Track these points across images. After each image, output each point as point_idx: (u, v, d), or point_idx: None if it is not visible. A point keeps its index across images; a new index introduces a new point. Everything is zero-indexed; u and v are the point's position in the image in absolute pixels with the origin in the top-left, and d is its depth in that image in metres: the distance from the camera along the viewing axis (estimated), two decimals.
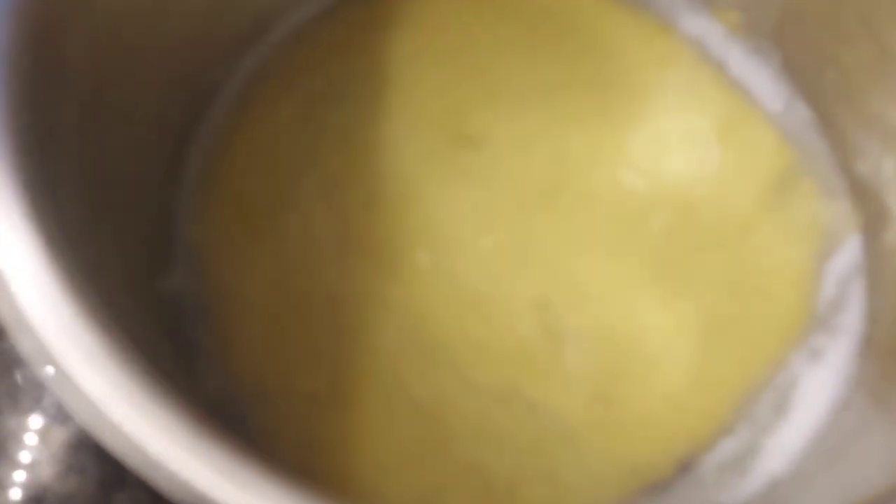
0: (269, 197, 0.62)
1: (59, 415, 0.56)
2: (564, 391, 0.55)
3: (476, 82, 0.65)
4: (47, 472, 0.55)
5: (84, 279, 0.37)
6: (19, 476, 0.55)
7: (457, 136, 0.63)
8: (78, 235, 0.41)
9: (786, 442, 0.54)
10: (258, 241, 0.61)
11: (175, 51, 0.56)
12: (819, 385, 0.55)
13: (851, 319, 0.57)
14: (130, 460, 0.33)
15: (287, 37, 0.66)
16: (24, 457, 0.56)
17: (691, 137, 0.64)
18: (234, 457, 0.34)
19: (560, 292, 0.58)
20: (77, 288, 0.36)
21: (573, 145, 0.63)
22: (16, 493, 0.54)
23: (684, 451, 0.54)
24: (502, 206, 0.61)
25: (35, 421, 0.56)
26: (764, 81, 0.66)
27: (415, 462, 0.54)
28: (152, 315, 0.53)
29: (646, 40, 0.68)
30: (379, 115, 0.63)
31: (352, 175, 0.62)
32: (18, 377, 0.58)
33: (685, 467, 0.54)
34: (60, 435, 0.55)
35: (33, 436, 0.56)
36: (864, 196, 0.59)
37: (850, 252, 0.59)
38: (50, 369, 0.34)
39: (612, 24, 0.68)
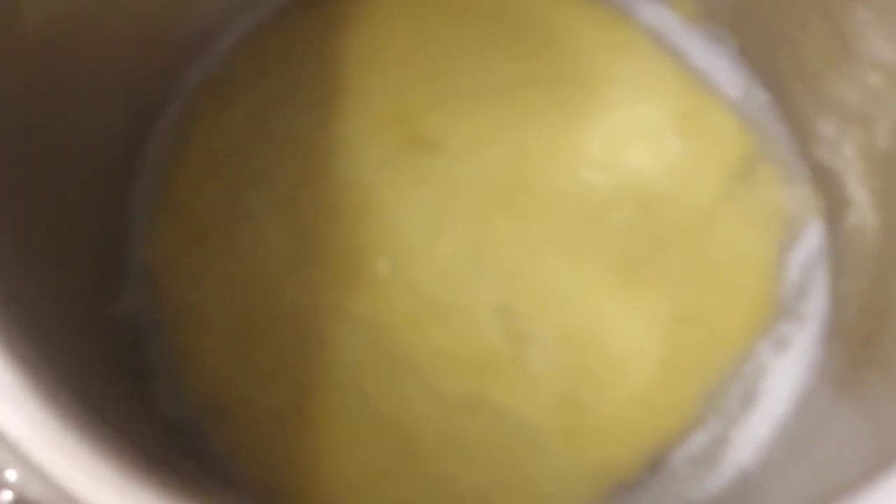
0: (222, 210, 0.60)
1: None
2: (531, 397, 0.54)
3: (431, 84, 0.64)
4: None
5: (12, 314, 0.36)
6: None
7: (412, 141, 0.62)
8: (11, 270, 0.40)
9: (754, 433, 0.54)
10: (213, 257, 0.59)
11: (114, 71, 0.55)
12: (785, 374, 0.55)
13: (816, 305, 0.57)
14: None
15: (234, 45, 0.65)
16: None
17: (651, 129, 0.63)
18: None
19: (523, 296, 0.57)
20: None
21: (531, 144, 0.62)
22: None
23: (655, 448, 0.54)
24: (461, 211, 0.60)
25: None
26: (722, 68, 0.65)
27: (382, 477, 0.53)
28: (101, 341, 0.52)
29: (603, 32, 0.67)
30: (332, 122, 0.62)
31: (307, 184, 0.61)
32: None
33: (656, 464, 0.54)
34: None
35: None
36: (824, 181, 0.58)
37: (812, 238, 0.59)
38: None
39: (569, 17, 0.67)
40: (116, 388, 0.50)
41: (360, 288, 0.57)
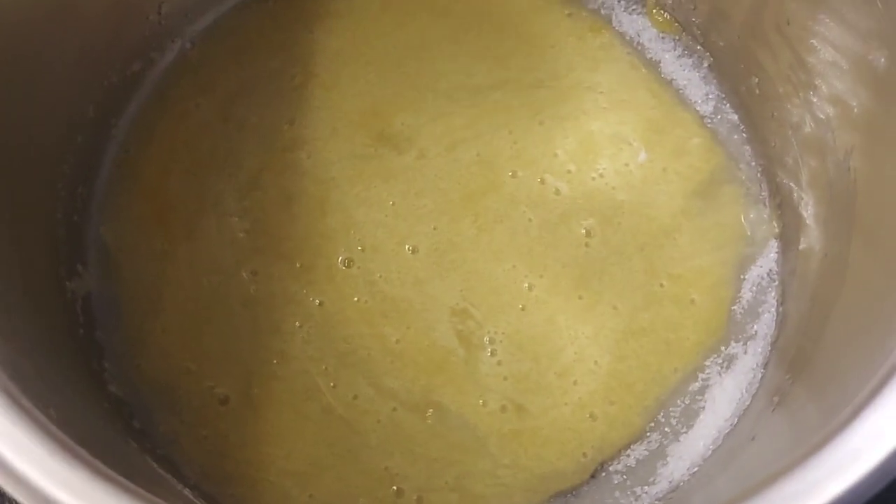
0: (185, 195, 0.61)
1: None
2: (477, 400, 0.55)
3: (403, 82, 0.64)
4: None
5: None
6: None
7: (380, 137, 0.62)
8: None
9: (691, 448, 0.54)
10: (174, 240, 0.59)
11: (83, 49, 0.55)
12: (728, 392, 0.56)
13: (763, 326, 0.58)
14: None
15: (208, 29, 0.65)
16: None
17: (619, 140, 0.63)
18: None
19: (480, 301, 0.57)
20: None
21: (500, 148, 0.62)
22: None
23: (595, 458, 0.54)
24: (425, 210, 0.60)
25: None
26: (694, 83, 0.66)
27: (325, 469, 0.54)
28: (55, 318, 0.52)
29: (580, 38, 0.67)
30: (300, 114, 0.62)
31: (270, 175, 0.61)
32: None
33: (595, 474, 0.54)
34: None
35: None
36: (782, 204, 0.59)
37: (767, 260, 0.59)
38: None
39: (547, 22, 0.68)
40: (67, 364, 0.50)
41: (317, 280, 0.58)
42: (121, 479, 0.34)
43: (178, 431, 0.55)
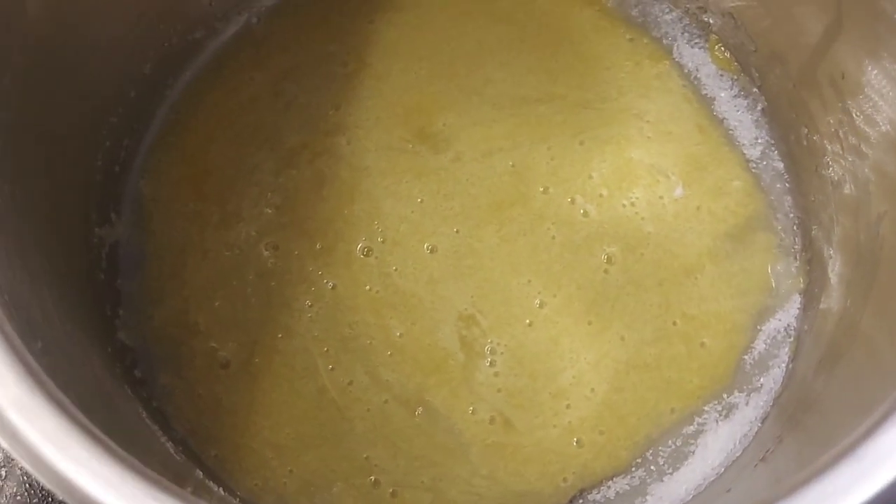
0: (224, 163, 0.62)
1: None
2: (467, 406, 0.55)
3: (451, 82, 0.65)
4: None
5: None
6: None
7: (420, 134, 0.63)
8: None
9: (673, 490, 0.53)
10: (206, 204, 0.61)
11: (150, 7, 0.57)
12: (722, 440, 0.55)
13: (771, 381, 0.56)
14: None
15: (275, 6, 0.67)
16: None
17: (657, 171, 0.62)
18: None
19: (488, 310, 0.57)
20: None
21: (536, 162, 0.62)
22: None
23: (575, 485, 0.54)
24: (451, 213, 0.60)
25: None
26: (746, 125, 0.64)
27: (309, 447, 0.55)
28: (76, 259, 0.54)
29: (637, 64, 0.66)
30: (346, 100, 0.63)
31: (308, 155, 0.62)
32: None
33: (573, 501, 0.54)
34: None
35: None
36: (812, 260, 0.57)
37: (787, 314, 0.58)
38: None
39: (607, 43, 0.67)
40: (77, 304, 0.52)
41: (333, 264, 0.59)
42: (94, 428, 0.35)
43: (175, 386, 0.56)
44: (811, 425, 0.46)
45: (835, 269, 0.53)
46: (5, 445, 0.31)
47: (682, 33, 0.67)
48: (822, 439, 0.42)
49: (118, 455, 0.32)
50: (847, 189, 0.52)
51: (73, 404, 0.34)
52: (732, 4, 0.63)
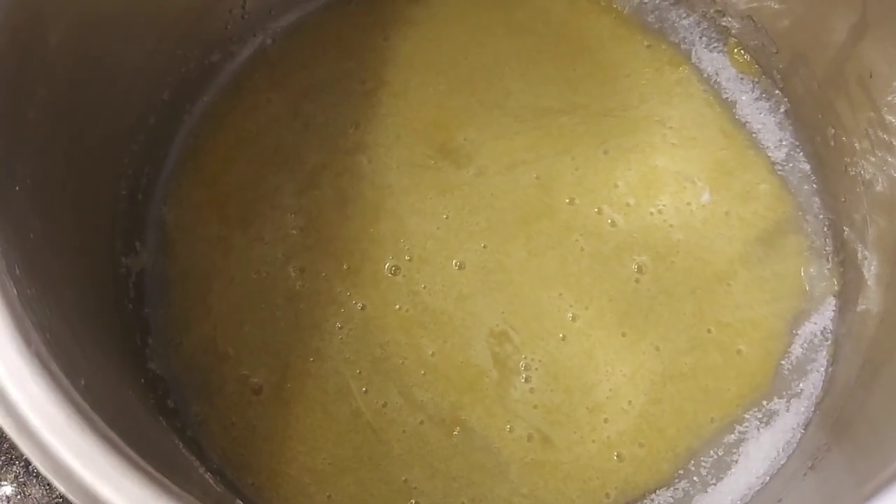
0: (245, 185, 0.62)
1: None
2: (504, 424, 0.54)
3: (471, 96, 0.64)
4: None
5: (24, 258, 0.38)
6: None
7: (441, 150, 0.62)
8: (31, 210, 0.42)
9: (718, 501, 0.53)
10: (231, 227, 0.61)
11: (166, 37, 0.57)
12: (764, 449, 0.54)
13: (810, 385, 0.55)
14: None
15: (289, 26, 0.66)
16: None
17: (684, 177, 0.62)
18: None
19: (520, 325, 0.57)
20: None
21: (560, 173, 0.62)
22: None
23: (618, 500, 0.53)
24: (478, 228, 0.60)
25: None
26: (769, 127, 0.64)
27: (345, 471, 0.54)
28: (104, 291, 0.54)
29: (657, 71, 0.66)
30: (365, 118, 0.63)
31: (330, 175, 0.62)
32: None
33: None
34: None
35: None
36: (845, 261, 0.57)
37: (823, 318, 0.57)
38: None
39: (625, 51, 0.67)
40: (109, 337, 0.51)
41: (361, 284, 0.58)
42: (136, 457, 0.34)
43: (207, 414, 0.56)
44: (860, 434, 0.45)
45: (871, 270, 0.53)
46: (62, 489, 0.31)
47: (700, 38, 0.67)
48: (873, 449, 0.41)
49: (173, 492, 0.32)
50: (880, 187, 0.51)
51: (121, 440, 0.34)
52: (752, 6, 0.62)
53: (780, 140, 0.63)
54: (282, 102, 0.64)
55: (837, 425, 0.49)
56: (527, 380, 0.55)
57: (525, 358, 0.56)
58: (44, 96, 0.47)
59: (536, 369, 0.56)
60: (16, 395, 0.32)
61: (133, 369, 0.53)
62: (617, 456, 0.54)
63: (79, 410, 0.33)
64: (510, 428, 0.54)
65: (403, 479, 0.54)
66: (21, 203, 0.43)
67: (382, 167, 0.62)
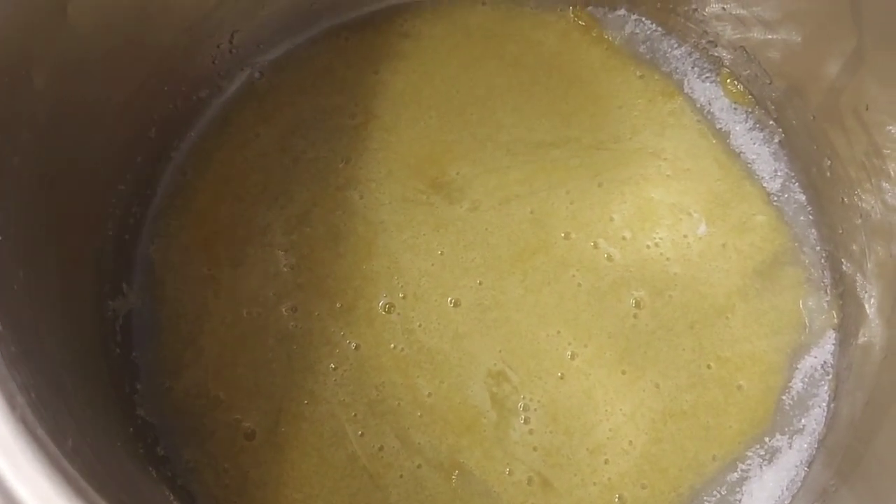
0: (235, 223, 0.61)
1: None
2: (504, 468, 0.53)
3: (463, 129, 0.63)
4: None
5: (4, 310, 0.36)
6: None
7: (434, 184, 0.61)
8: (14, 260, 0.41)
9: None
10: (218, 268, 0.59)
11: (153, 74, 0.56)
12: (768, 487, 0.53)
13: (812, 421, 0.55)
14: None
15: (277, 60, 0.65)
16: None
17: (680, 209, 0.61)
18: None
19: (518, 364, 0.56)
20: None
21: (555, 207, 0.61)
22: None
23: None
24: (473, 265, 0.59)
25: None
26: (764, 158, 0.63)
27: None
28: (91, 336, 0.52)
29: (650, 101, 0.66)
30: (356, 153, 0.62)
31: (321, 211, 0.61)
32: None
33: None
34: None
35: None
36: (844, 293, 0.56)
37: (823, 351, 0.57)
38: None
39: (618, 81, 0.66)
40: (96, 386, 0.50)
41: (355, 322, 0.57)
42: None
43: (199, 461, 0.54)
44: (871, 474, 0.45)
45: (871, 301, 0.52)
46: None
47: (693, 67, 0.66)
48: (886, 490, 0.40)
49: None
50: (877, 216, 0.51)
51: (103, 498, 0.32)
52: (739, 36, 0.62)
53: (776, 171, 0.63)
54: (270, 137, 0.63)
55: (845, 464, 0.49)
56: (526, 421, 0.54)
57: (524, 398, 0.55)
58: (28, 139, 0.45)
59: (535, 410, 0.55)
60: (3, 466, 0.31)
61: (121, 418, 0.51)
62: (619, 498, 0.53)
63: (67, 479, 0.32)
64: (509, 471, 0.53)
65: None
66: (4, 253, 0.42)
67: (374, 203, 0.61)
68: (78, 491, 0.31)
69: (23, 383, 0.35)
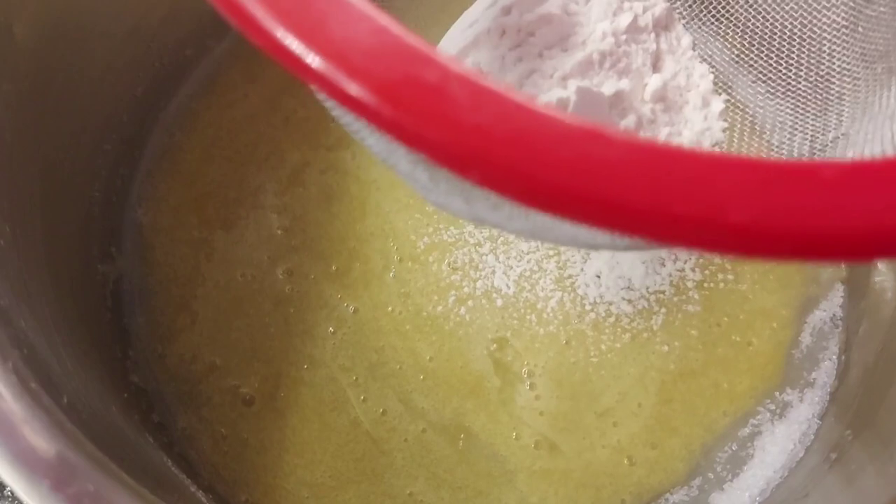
0: (226, 184, 0.59)
1: None
2: (510, 432, 0.52)
3: None
4: None
5: None
6: None
7: None
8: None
9: (736, 498, 0.51)
10: (210, 230, 0.57)
11: (138, 27, 0.53)
12: (780, 441, 0.52)
13: (823, 374, 0.54)
14: None
15: None
16: None
17: None
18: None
19: (522, 331, 0.54)
20: None
21: None
22: None
23: (629, 502, 0.51)
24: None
25: None
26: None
27: (347, 484, 0.51)
28: (81, 301, 0.50)
29: None
30: None
31: (313, 172, 0.59)
32: None
33: None
34: None
35: None
36: None
37: (832, 304, 0.55)
38: None
39: None
40: (89, 350, 0.48)
41: (351, 285, 0.55)
42: (127, 477, 0.32)
43: (196, 428, 0.52)
44: (884, 425, 0.44)
45: None
46: None
47: None
48: None
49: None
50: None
51: (110, 461, 0.31)
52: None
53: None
54: (259, 97, 0.61)
55: (858, 418, 0.48)
56: (531, 387, 0.53)
57: (527, 364, 0.53)
58: (8, 91, 0.43)
59: (540, 375, 0.53)
60: None
61: (115, 383, 0.49)
62: (629, 460, 0.51)
63: (64, 431, 0.30)
64: (516, 435, 0.52)
65: (408, 492, 0.51)
66: None
67: (367, 162, 0.59)
68: (75, 442, 0.30)
69: (14, 336, 0.33)
